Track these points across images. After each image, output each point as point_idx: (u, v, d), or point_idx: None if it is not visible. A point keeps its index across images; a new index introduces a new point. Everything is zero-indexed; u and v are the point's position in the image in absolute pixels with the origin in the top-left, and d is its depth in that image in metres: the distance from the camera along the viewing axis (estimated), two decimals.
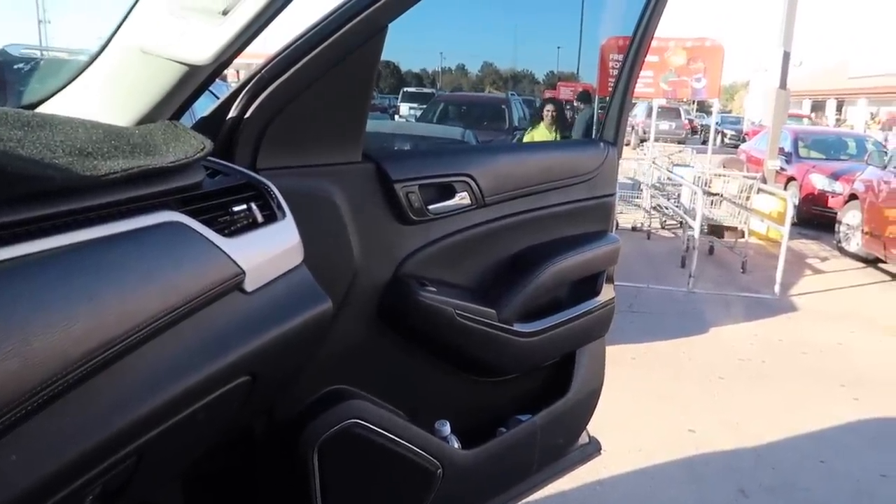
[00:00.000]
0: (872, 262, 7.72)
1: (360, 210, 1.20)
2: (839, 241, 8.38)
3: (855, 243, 8.00)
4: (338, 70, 1.11)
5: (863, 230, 7.72)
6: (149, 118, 1.05)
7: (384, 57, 1.20)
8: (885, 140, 15.60)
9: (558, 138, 6.66)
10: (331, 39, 1.08)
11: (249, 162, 1.06)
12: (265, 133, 1.07)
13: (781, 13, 9.61)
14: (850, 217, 8.20)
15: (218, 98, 1.13)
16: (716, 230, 7.50)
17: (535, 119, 7.46)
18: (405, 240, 1.30)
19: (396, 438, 1.27)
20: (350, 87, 1.15)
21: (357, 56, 1.12)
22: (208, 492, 1.19)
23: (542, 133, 6.86)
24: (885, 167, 7.80)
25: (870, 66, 30.41)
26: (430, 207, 1.31)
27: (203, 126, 1.08)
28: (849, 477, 3.10)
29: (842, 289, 6.74)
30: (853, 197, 8.29)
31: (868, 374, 4.39)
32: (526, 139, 6.80)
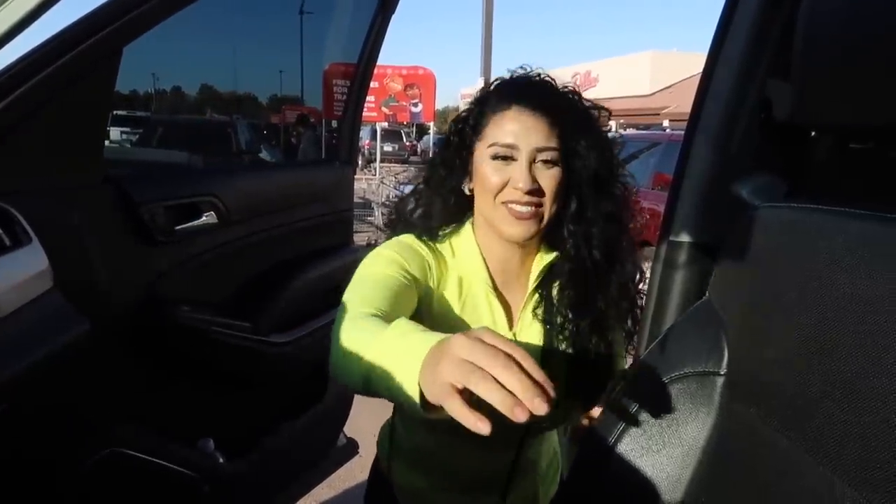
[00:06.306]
0: None
1: (104, 233, 1.17)
2: None
3: None
4: (70, 94, 1.07)
5: None
6: None
7: None
8: None
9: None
10: (61, 61, 1.03)
11: None
12: None
13: (480, 47, 10.85)
14: None
15: None
16: None
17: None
18: (154, 261, 1.29)
19: (158, 461, 1.26)
20: (85, 112, 1.12)
21: (91, 80, 1.10)
22: None
23: None
24: None
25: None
26: (177, 227, 1.32)
27: None
28: None
29: None
30: None
31: None
32: None
